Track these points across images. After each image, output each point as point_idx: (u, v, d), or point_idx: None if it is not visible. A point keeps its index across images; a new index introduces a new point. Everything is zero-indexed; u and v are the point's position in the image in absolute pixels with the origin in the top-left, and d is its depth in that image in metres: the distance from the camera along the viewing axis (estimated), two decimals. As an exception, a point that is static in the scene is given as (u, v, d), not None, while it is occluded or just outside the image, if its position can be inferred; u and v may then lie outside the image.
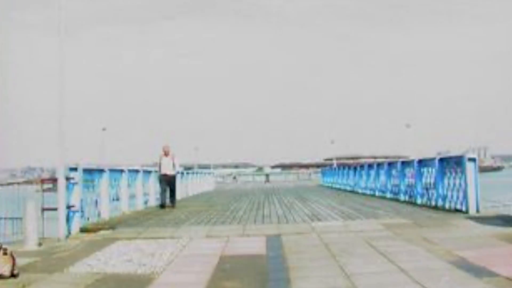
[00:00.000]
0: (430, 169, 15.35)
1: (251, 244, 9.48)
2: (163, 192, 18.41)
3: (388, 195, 19.99)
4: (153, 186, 20.69)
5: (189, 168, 55.71)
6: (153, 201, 20.52)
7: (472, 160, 12.84)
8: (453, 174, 13.56)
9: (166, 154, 18.42)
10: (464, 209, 12.83)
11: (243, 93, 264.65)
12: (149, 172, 20.64)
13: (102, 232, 11.62)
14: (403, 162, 18.86)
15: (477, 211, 12.61)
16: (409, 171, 17.70)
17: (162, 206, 18.11)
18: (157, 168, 19.02)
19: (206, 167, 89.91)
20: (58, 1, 10.80)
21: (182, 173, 28.59)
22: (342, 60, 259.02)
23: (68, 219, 11.24)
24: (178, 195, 25.74)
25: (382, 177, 21.39)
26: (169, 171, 18.31)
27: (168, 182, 18.43)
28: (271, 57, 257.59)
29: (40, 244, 9.95)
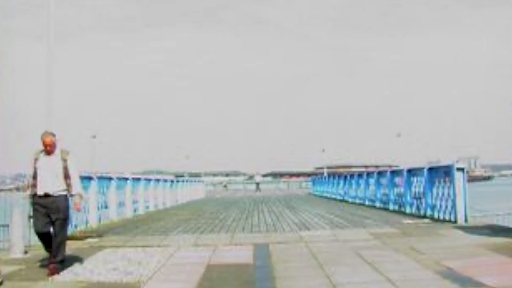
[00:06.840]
0: (419, 179, 15.38)
1: (239, 253, 9.44)
2: (42, 230, 8.03)
3: (378, 204, 20.00)
4: (142, 195, 20.68)
5: (180, 176, 55.72)
6: (142, 209, 20.49)
7: (461, 169, 12.87)
8: (442, 183, 13.60)
9: (48, 151, 8.09)
10: (452, 218, 12.85)
11: (235, 101, 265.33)
12: (138, 179, 20.66)
13: (89, 240, 11.54)
14: (392, 172, 18.90)
15: (466, 220, 12.64)
16: (398, 181, 17.72)
17: (49, 258, 8.09)
18: (28, 180, 8.50)
19: (197, 175, 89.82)
20: (47, 8, 10.79)
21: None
22: (334, 70, 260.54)
23: (55, 227, 11.07)
24: (168, 203, 25.59)
25: (372, 186, 21.42)
26: (52, 187, 8.05)
27: (50, 211, 7.97)
28: (263, 66, 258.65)
29: (26, 252, 9.86)
